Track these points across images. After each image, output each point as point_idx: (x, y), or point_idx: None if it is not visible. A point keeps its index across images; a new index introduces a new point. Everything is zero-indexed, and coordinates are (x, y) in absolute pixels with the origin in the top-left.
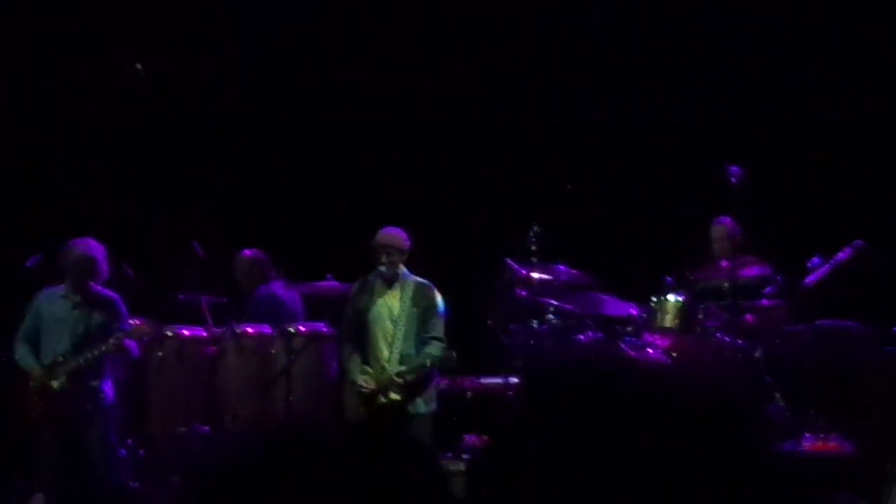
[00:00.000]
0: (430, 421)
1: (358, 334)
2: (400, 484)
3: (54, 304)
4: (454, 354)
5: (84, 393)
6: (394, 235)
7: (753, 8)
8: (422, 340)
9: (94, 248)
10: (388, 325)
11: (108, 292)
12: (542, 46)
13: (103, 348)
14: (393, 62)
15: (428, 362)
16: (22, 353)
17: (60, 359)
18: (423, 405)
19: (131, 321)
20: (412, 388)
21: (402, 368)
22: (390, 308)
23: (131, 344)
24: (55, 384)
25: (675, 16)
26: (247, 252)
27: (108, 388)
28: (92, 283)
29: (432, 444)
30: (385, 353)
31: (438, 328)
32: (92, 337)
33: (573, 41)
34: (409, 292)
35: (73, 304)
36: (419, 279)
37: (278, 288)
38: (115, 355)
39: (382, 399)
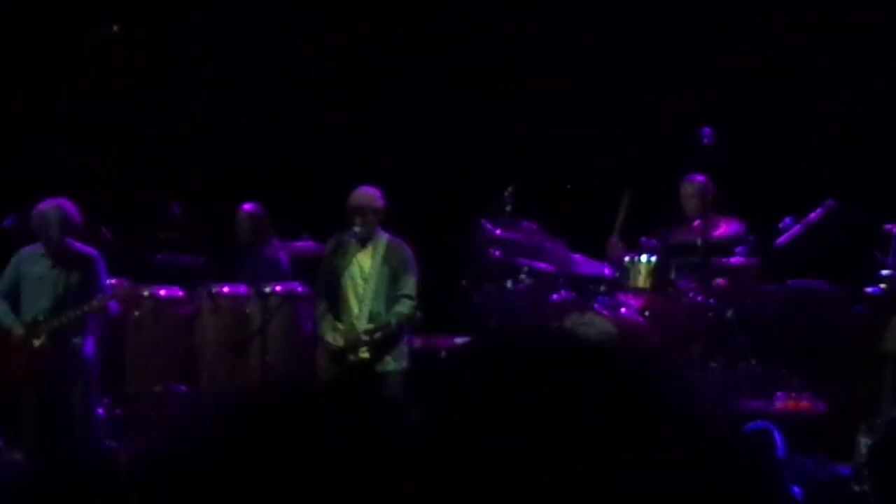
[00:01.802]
0: (401, 378)
1: (331, 293)
2: (372, 441)
3: (34, 263)
4: (418, 313)
5: (66, 351)
6: (368, 195)
7: None
8: (392, 298)
9: (57, 205)
10: (360, 283)
11: (88, 249)
12: (523, 9)
13: (86, 308)
14: (366, 19)
15: (394, 321)
16: (1, 311)
17: (41, 317)
18: (392, 363)
19: (111, 281)
20: (380, 346)
21: (370, 326)
22: (362, 266)
23: (112, 303)
24: (36, 342)
25: None
26: (250, 206)
27: (90, 347)
28: (69, 241)
29: (404, 401)
30: (355, 310)
31: (409, 286)
32: (72, 295)
33: (552, 4)
34: (381, 251)
35: (53, 262)
36: (392, 237)
37: (280, 247)
38: (96, 314)
39: (352, 357)
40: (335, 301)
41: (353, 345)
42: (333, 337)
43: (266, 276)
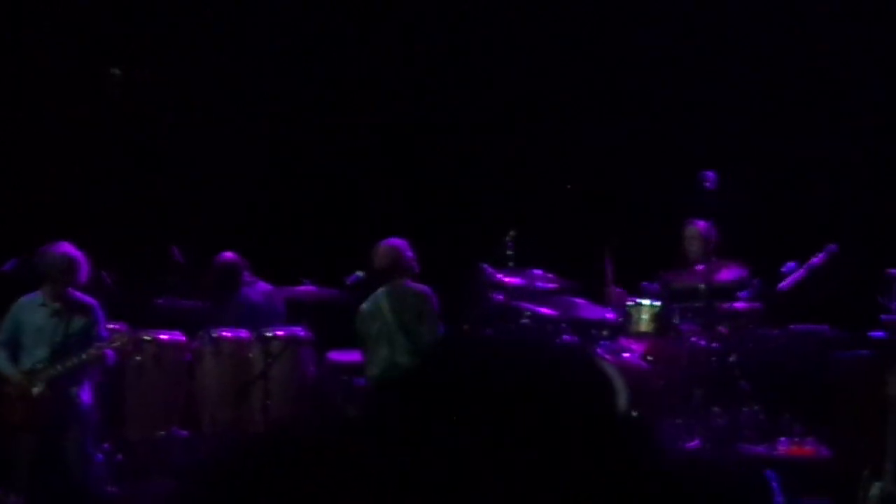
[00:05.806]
0: None
1: (366, 345)
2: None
3: (33, 312)
4: None
5: (62, 399)
6: (399, 252)
7: (729, 12)
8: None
9: (72, 251)
10: (384, 333)
11: (87, 298)
12: (520, 53)
13: (84, 357)
14: (373, 69)
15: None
16: (0, 359)
17: (39, 366)
18: None
19: (109, 327)
20: None
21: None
22: (385, 316)
23: (108, 352)
24: (34, 390)
25: (648, 23)
26: (225, 255)
27: (86, 395)
28: (70, 289)
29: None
30: (383, 356)
31: (432, 334)
32: (70, 344)
33: (550, 49)
34: (404, 299)
35: (52, 311)
36: (416, 286)
37: (252, 293)
38: (94, 362)
39: None
40: (368, 353)
41: None
42: None
43: (237, 323)
